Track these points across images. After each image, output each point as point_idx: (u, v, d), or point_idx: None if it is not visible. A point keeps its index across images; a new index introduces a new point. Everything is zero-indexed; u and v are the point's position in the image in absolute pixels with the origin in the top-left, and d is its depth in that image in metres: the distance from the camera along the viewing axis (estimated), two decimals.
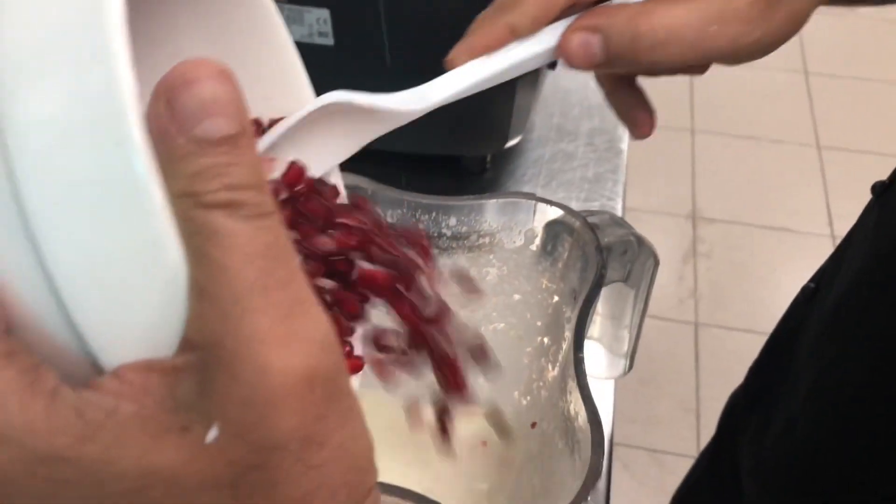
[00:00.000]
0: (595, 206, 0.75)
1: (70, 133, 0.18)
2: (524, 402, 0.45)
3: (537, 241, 0.42)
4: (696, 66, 0.36)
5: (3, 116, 0.18)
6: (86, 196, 0.18)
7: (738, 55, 0.33)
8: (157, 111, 0.18)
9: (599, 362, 0.50)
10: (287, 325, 0.18)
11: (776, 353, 0.63)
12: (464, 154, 0.65)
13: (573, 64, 0.33)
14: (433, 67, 0.33)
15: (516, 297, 0.44)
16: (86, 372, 0.19)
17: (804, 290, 0.60)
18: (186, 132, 0.18)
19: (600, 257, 0.36)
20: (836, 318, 0.51)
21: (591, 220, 0.41)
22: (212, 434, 0.18)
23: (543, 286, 0.43)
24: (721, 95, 2.01)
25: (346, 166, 0.31)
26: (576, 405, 0.35)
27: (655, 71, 0.35)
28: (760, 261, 1.72)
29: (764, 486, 0.58)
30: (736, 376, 0.70)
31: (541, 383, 0.44)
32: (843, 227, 1.78)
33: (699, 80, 1.99)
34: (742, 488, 0.63)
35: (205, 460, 0.18)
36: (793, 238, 1.75)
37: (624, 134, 0.82)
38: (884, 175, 0.51)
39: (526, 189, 0.77)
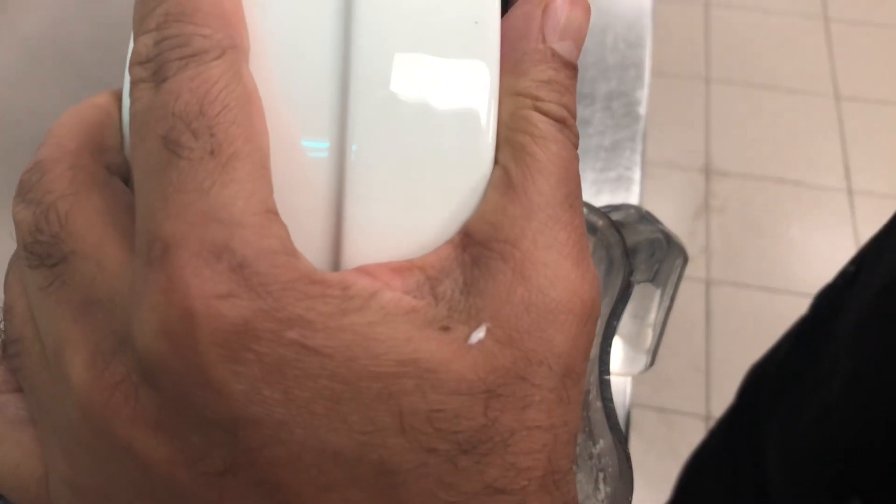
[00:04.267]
0: (612, 175, 0.72)
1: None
2: None
3: None
4: None
5: None
6: (425, 42, 0.17)
7: None
8: (531, 12, 0.19)
9: (618, 357, 0.47)
10: (579, 251, 0.18)
11: (810, 339, 0.60)
12: None
13: None
14: None
15: None
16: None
17: (843, 273, 0.57)
18: (551, 41, 0.19)
19: (627, 268, 0.33)
20: (881, 304, 0.48)
21: (614, 216, 0.37)
22: (476, 336, 0.17)
23: None
24: (737, 42, 1.95)
25: None
26: (599, 428, 0.32)
27: None
28: (775, 216, 1.68)
29: (792, 478, 0.56)
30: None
31: None
32: (861, 181, 1.75)
33: (714, 26, 1.93)
34: (762, 474, 0.60)
35: (467, 361, 0.16)
36: (809, 192, 1.71)
37: (643, 98, 0.78)
38: None
39: None
